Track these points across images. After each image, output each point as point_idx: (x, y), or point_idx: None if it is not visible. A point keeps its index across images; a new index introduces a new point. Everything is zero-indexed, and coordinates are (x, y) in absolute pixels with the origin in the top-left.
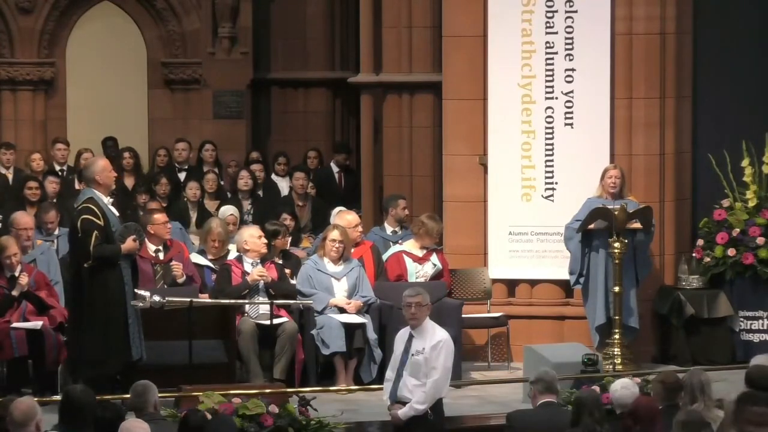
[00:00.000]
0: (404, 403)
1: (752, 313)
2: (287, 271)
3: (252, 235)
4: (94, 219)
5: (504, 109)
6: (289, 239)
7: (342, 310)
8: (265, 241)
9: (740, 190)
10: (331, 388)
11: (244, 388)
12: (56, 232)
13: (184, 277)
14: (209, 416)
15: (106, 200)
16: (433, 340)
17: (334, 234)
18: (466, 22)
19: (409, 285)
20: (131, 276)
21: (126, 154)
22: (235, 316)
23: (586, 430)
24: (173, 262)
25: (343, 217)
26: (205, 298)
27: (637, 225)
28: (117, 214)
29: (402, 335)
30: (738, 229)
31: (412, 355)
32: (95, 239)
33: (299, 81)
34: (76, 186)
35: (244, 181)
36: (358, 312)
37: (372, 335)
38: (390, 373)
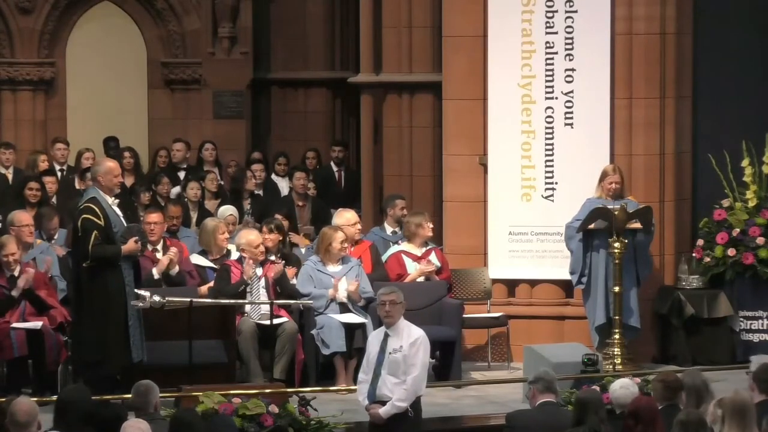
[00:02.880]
0: (383, 402)
1: (752, 313)
2: (290, 270)
3: (250, 244)
4: (95, 219)
5: (504, 109)
6: (276, 236)
7: (342, 310)
8: (263, 249)
9: (740, 190)
10: (331, 388)
11: (244, 388)
12: (55, 237)
13: (177, 268)
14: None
15: (110, 200)
16: (411, 337)
17: (339, 236)
18: (466, 22)
19: (408, 285)
20: (133, 277)
21: (126, 154)
22: (235, 316)
23: (591, 429)
24: (171, 249)
25: (342, 216)
26: (204, 295)
27: (637, 225)
28: (121, 214)
29: (377, 335)
30: (738, 229)
31: (390, 353)
32: (94, 239)
33: (299, 81)
34: (76, 186)
35: (254, 181)
36: (356, 308)
37: None
38: (363, 375)
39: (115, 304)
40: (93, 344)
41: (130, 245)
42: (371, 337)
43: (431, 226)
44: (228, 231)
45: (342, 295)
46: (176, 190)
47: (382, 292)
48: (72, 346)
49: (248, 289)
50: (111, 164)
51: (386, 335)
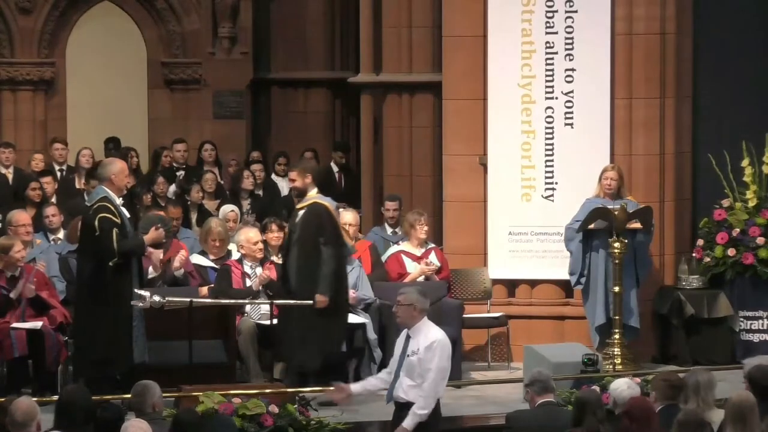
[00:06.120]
0: (399, 403)
1: (752, 313)
2: None
3: (249, 240)
4: (112, 217)
5: (504, 109)
6: (281, 235)
7: None
8: (261, 246)
9: (740, 190)
10: (332, 388)
11: (244, 388)
12: (60, 234)
13: (182, 270)
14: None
15: (118, 201)
16: (428, 340)
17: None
18: (466, 22)
19: (408, 285)
20: (138, 278)
21: (133, 154)
22: (235, 316)
23: (589, 429)
24: (180, 252)
25: (342, 215)
26: (205, 296)
27: (637, 225)
28: (128, 215)
29: (402, 336)
30: (738, 229)
31: (408, 355)
32: (116, 236)
33: (299, 81)
34: (76, 185)
35: (250, 180)
36: (356, 308)
37: (372, 335)
38: (384, 374)
39: (124, 304)
40: (101, 344)
41: (152, 234)
42: (398, 339)
43: (426, 228)
44: (229, 228)
45: None
46: (172, 188)
47: (398, 292)
48: (76, 346)
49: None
50: (122, 164)
51: (408, 337)
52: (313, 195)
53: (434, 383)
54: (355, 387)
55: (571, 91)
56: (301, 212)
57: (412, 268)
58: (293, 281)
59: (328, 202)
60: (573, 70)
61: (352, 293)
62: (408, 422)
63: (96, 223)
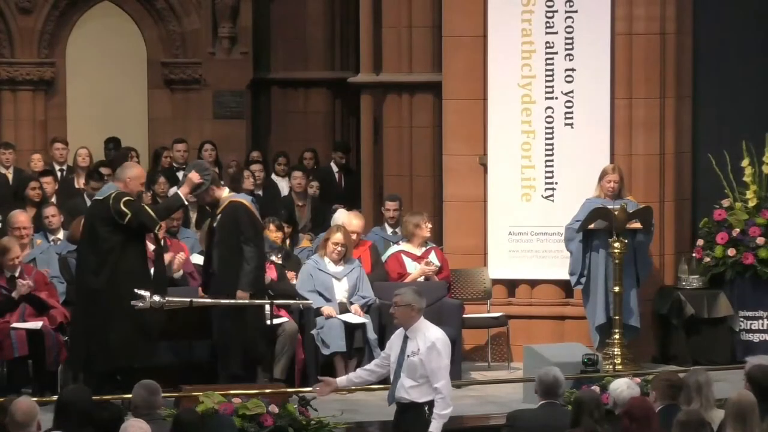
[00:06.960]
0: (400, 404)
1: (752, 313)
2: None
3: None
4: (134, 199)
5: (504, 109)
6: (281, 234)
7: (342, 310)
8: None
9: (740, 190)
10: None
11: (244, 388)
12: (60, 234)
13: (181, 271)
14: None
15: None
16: (428, 341)
17: (337, 237)
18: (466, 22)
19: (403, 286)
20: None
21: (133, 154)
22: None
23: (587, 430)
24: (179, 254)
25: (348, 219)
26: (204, 297)
27: (637, 225)
28: None
29: (397, 336)
30: (738, 229)
31: (408, 356)
32: (148, 206)
33: (299, 81)
34: (76, 185)
35: (250, 180)
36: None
37: (372, 335)
38: (374, 366)
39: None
40: (121, 335)
41: (188, 182)
42: (392, 338)
43: (429, 226)
44: None
45: (341, 297)
46: (173, 190)
47: (394, 293)
48: (93, 339)
49: None
50: (141, 171)
51: (406, 337)
52: (227, 196)
53: (447, 382)
54: (341, 381)
55: (571, 91)
56: (219, 216)
57: (412, 268)
58: (216, 283)
59: (243, 198)
60: (573, 70)
61: (355, 308)
62: (434, 426)
63: (122, 207)
